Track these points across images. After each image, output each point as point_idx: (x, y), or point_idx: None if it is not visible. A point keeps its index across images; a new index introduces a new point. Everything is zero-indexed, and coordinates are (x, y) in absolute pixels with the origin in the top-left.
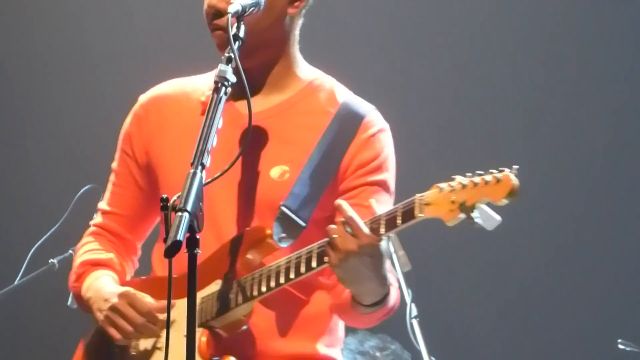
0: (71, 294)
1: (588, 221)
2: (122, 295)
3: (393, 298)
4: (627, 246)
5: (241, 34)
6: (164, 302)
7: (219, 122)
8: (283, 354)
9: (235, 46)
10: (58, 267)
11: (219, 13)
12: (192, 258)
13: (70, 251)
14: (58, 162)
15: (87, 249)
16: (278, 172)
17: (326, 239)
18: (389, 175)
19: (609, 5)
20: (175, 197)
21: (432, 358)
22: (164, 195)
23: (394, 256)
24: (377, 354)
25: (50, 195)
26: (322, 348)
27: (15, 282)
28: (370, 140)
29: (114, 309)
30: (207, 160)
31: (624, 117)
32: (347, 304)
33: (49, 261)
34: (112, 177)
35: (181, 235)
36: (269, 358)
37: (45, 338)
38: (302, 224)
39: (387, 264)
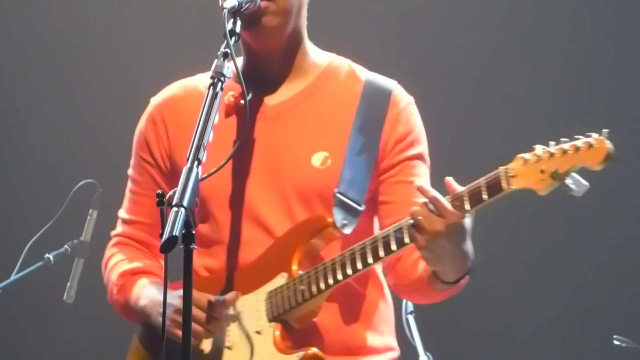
0: (72, 291)
1: (583, 216)
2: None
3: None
4: (622, 242)
5: (237, 30)
6: (225, 297)
7: (215, 118)
8: (350, 346)
9: (232, 42)
10: (53, 262)
11: None
12: (188, 253)
13: (66, 246)
14: (54, 157)
15: (119, 259)
16: (320, 159)
17: (407, 221)
18: (424, 147)
19: None
20: (171, 192)
21: (428, 354)
22: (159, 191)
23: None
24: None
25: (46, 190)
26: (382, 337)
27: (11, 277)
28: (402, 115)
29: (178, 310)
30: (204, 155)
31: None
32: (422, 281)
33: (45, 256)
34: (131, 185)
35: (177, 230)
36: (338, 350)
37: (41, 333)
38: (359, 208)
39: (470, 239)
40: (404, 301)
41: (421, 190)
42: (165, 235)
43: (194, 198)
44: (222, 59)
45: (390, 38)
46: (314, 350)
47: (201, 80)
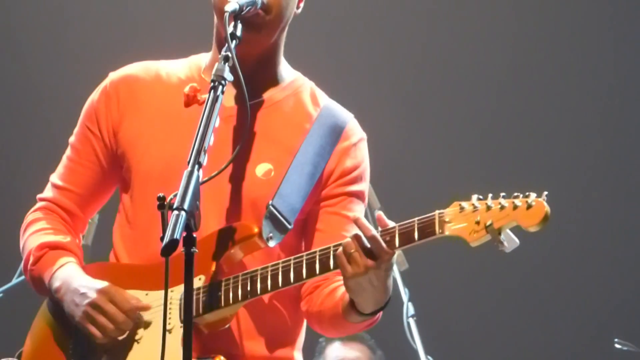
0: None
1: (585, 221)
2: (101, 292)
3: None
4: (624, 246)
5: (238, 33)
6: (147, 301)
7: (216, 121)
8: (261, 356)
9: (233, 45)
10: None
11: None
12: (189, 257)
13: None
14: (56, 160)
15: (41, 226)
16: (263, 170)
17: (339, 250)
18: (366, 186)
19: None
20: (172, 196)
21: (429, 357)
22: (161, 194)
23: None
24: None
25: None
26: (296, 353)
27: (13, 281)
28: (352, 149)
29: (94, 305)
30: (205, 159)
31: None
32: (336, 311)
33: None
34: (70, 152)
35: (178, 233)
36: (244, 357)
37: None
38: (288, 225)
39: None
40: (405, 304)
41: (360, 225)
42: (167, 239)
43: (195, 201)
44: (222, 62)
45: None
46: (221, 358)
47: (163, 66)
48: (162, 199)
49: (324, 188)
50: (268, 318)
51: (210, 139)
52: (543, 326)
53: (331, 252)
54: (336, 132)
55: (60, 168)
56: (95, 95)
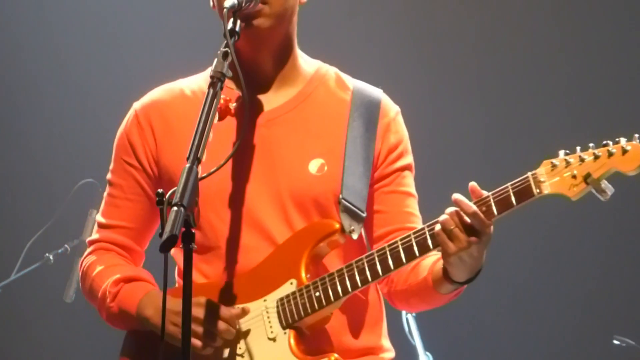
0: (71, 290)
1: (583, 219)
2: (198, 305)
3: None
4: (622, 243)
5: (237, 29)
6: (239, 308)
7: (214, 117)
8: (355, 348)
9: (232, 41)
10: (53, 262)
11: None
12: (188, 253)
13: (66, 246)
14: (54, 157)
15: (107, 264)
16: (316, 166)
17: (430, 229)
18: (412, 157)
19: None
20: (170, 192)
21: (428, 353)
22: (160, 190)
23: None
24: None
25: (46, 190)
26: (383, 340)
27: (11, 277)
28: (392, 125)
29: (193, 319)
30: (203, 155)
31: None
32: (426, 284)
33: (44, 256)
34: (111, 190)
35: (177, 229)
36: (343, 352)
37: (40, 332)
38: (363, 214)
39: None
40: None
41: (459, 202)
42: (165, 234)
43: (194, 197)
44: (221, 58)
45: (378, 45)
46: (335, 355)
47: (186, 85)
48: (160, 195)
49: (376, 169)
50: (354, 309)
51: (210, 135)
52: (542, 322)
53: (426, 232)
54: (374, 111)
55: (104, 207)
56: (125, 128)
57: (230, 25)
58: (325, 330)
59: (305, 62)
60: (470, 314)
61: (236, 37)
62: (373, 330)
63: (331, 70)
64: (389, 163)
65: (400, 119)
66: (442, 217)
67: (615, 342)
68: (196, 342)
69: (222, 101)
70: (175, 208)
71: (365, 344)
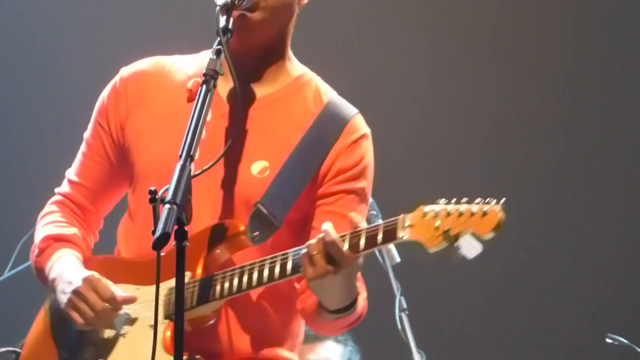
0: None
1: (576, 217)
2: (85, 280)
3: (360, 307)
4: (615, 240)
5: (230, 26)
6: (129, 294)
7: (207, 115)
8: (246, 354)
9: (225, 39)
10: None
11: None
12: (181, 251)
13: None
14: (49, 154)
15: (51, 219)
16: (258, 168)
17: (303, 250)
18: (367, 183)
19: None
20: (163, 189)
21: (420, 352)
22: (152, 188)
23: (383, 249)
24: None
25: (39, 188)
26: (284, 352)
27: (4, 274)
28: (352, 146)
29: (77, 292)
30: (197, 152)
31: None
32: (312, 308)
33: None
34: (83, 147)
35: (169, 227)
36: (232, 357)
37: None
38: (276, 224)
39: (358, 274)
40: (397, 298)
41: (325, 231)
42: (158, 232)
43: (187, 195)
44: (214, 56)
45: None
46: (197, 357)
47: (173, 61)
48: (153, 193)
49: (320, 186)
50: (254, 317)
51: (203, 133)
52: (534, 321)
53: (289, 256)
54: (337, 129)
55: (75, 163)
56: (106, 91)
57: (223, 23)
58: (214, 330)
59: (293, 67)
60: (463, 313)
61: (229, 35)
62: (273, 341)
63: (313, 81)
64: (335, 183)
65: (364, 143)
66: (311, 241)
67: (608, 340)
68: (75, 316)
69: (195, 84)
70: (167, 206)
71: (256, 352)
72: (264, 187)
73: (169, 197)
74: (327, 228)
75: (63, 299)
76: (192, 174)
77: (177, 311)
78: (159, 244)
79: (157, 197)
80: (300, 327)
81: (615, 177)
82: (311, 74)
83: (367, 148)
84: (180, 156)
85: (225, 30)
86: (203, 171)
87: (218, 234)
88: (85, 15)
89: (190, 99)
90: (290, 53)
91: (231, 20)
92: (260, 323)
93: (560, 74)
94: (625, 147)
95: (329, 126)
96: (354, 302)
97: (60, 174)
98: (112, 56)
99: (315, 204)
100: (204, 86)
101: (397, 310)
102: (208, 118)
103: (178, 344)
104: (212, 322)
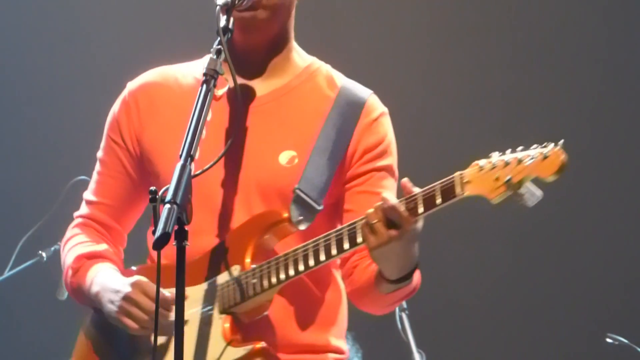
0: (64, 287)
1: (577, 216)
2: (134, 285)
3: (415, 277)
4: (617, 240)
5: (230, 26)
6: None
7: (207, 114)
8: (299, 343)
9: (225, 39)
10: (46, 259)
11: None
12: (181, 250)
13: (59, 243)
14: (47, 153)
15: (78, 241)
16: (287, 158)
17: (360, 221)
18: (393, 159)
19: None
20: (163, 189)
21: (420, 351)
22: (153, 188)
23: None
24: None
25: (39, 188)
26: (333, 339)
27: (5, 274)
28: (373, 125)
29: (127, 298)
30: (197, 152)
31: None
32: (370, 283)
33: (38, 253)
34: (98, 167)
35: (170, 227)
36: (285, 347)
37: (34, 329)
38: (317, 207)
39: (418, 241)
40: None
41: (382, 196)
42: (158, 232)
43: (187, 195)
44: (214, 55)
45: (375, 45)
46: (262, 344)
47: (180, 70)
48: (153, 193)
49: (349, 168)
50: (305, 305)
51: (203, 133)
52: (534, 321)
53: (356, 226)
54: (356, 111)
55: (91, 184)
56: (115, 106)
57: (223, 22)
58: (269, 321)
59: (299, 57)
60: (463, 313)
61: (229, 35)
62: (323, 329)
63: (323, 68)
64: (363, 162)
65: (384, 120)
66: (369, 211)
67: (609, 340)
68: (129, 322)
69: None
70: (168, 205)
71: (311, 341)
72: (296, 175)
73: (169, 196)
74: (386, 195)
75: (112, 308)
76: (192, 173)
77: (177, 313)
78: (159, 243)
79: (157, 197)
80: (345, 313)
81: (616, 177)
82: (320, 62)
83: (388, 125)
84: (180, 156)
85: (226, 29)
86: (203, 171)
87: (260, 225)
88: (85, 23)
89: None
90: (294, 43)
91: (231, 20)
92: (306, 311)
93: (581, 63)
94: (634, 147)
95: (348, 108)
96: (412, 272)
97: (61, 175)
98: (112, 58)
99: (345, 187)
100: (204, 86)
101: (397, 310)
102: (208, 117)
103: (179, 348)
104: (266, 312)
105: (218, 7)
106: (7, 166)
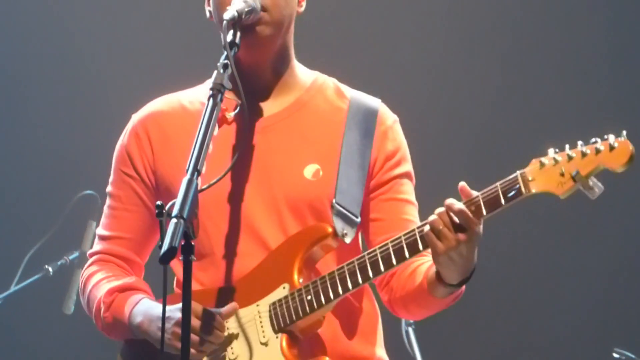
0: (71, 301)
1: (584, 227)
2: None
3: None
4: (626, 253)
5: (237, 41)
6: (223, 310)
7: (214, 129)
8: (349, 355)
9: (232, 53)
10: (52, 274)
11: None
12: (187, 264)
13: (65, 258)
14: (54, 168)
15: (102, 276)
16: (311, 171)
17: (426, 228)
18: (410, 165)
19: None
20: (170, 204)
21: None
22: (159, 202)
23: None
24: None
25: (45, 202)
26: (377, 348)
27: (11, 289)
28: (389, 132)
29: (180, 324)
30: (203, 166)
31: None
32: (421, 289)
33: (44, 267)
34: (110, 202)
35: (176, 241)
36: (337, 358)
37: (40, 343)
38: (356, 219)
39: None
40: None
41: (447, 202)
42: (165, 247)
43: (194, 209)
44: (221, 70)
45: (376, 55)
46: (326, 358)
47: (185, 96)
48: (160, 207)
49: (372, 177)
50: (347, 317)
51: (210, 147)
52: (541, 335)
53: (416, 234)
54: (371, 119)
55: (104, 219)
56: (124, 139)
57: (230, 37)
58: (319, 336)
59: (303, 72)
60: (469, 328)
61: (236, 49)
62: (367, 339)
63: (329, 80)
64: (386, 170)
65: (397, 127)
66: (432, 217)
67: (615, 355)
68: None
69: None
70: (174, 220)
71: (359, 352)
72: (323, 188)
73: (175, 211)
74: (451, 200)
75: (165, 335)
76: (199, 188)
77: (183, 326)
78: (165, 258)
79: (164, 211)
80: (380, 322)
81: (618, 181)
82: (324, 76)
83: (401, 131)
84: (187, 170)
85: (232, 44)
86: (210, 185)
87: (304, 241)
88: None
89: (219, 126)
90: (296, 60)
91: (238, 34)
92: (350, 323)
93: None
94: None
95: (362, 118)
96: (470, 275)
97: (68, 189)
98: (120, 74)
99: (369, 196)
100: (211, 100)
101: (403, 325)
102: (215, 132)
103: (185, 354)
104: (320, 327)
105: (225, 22)
106: (13, 180)
